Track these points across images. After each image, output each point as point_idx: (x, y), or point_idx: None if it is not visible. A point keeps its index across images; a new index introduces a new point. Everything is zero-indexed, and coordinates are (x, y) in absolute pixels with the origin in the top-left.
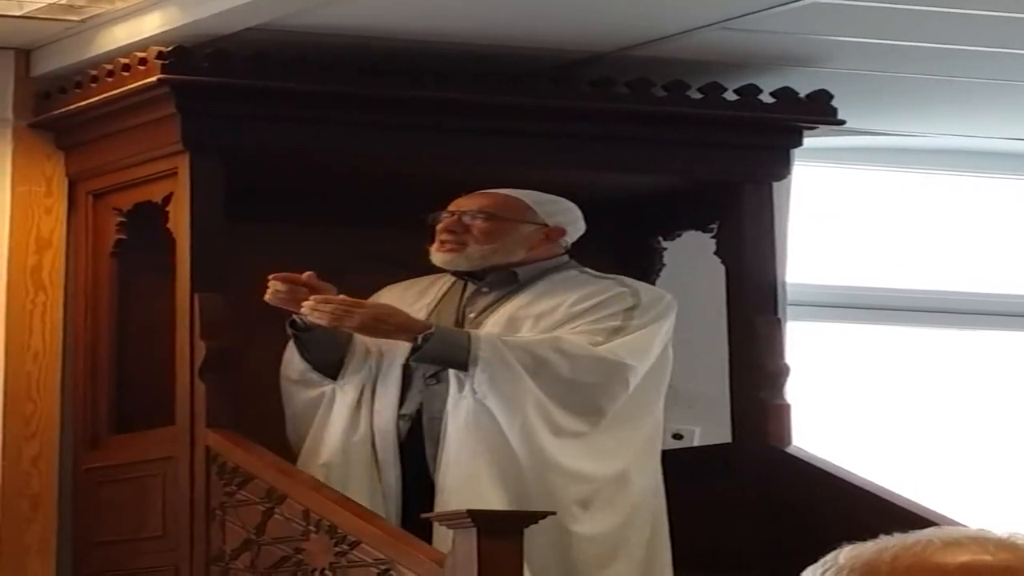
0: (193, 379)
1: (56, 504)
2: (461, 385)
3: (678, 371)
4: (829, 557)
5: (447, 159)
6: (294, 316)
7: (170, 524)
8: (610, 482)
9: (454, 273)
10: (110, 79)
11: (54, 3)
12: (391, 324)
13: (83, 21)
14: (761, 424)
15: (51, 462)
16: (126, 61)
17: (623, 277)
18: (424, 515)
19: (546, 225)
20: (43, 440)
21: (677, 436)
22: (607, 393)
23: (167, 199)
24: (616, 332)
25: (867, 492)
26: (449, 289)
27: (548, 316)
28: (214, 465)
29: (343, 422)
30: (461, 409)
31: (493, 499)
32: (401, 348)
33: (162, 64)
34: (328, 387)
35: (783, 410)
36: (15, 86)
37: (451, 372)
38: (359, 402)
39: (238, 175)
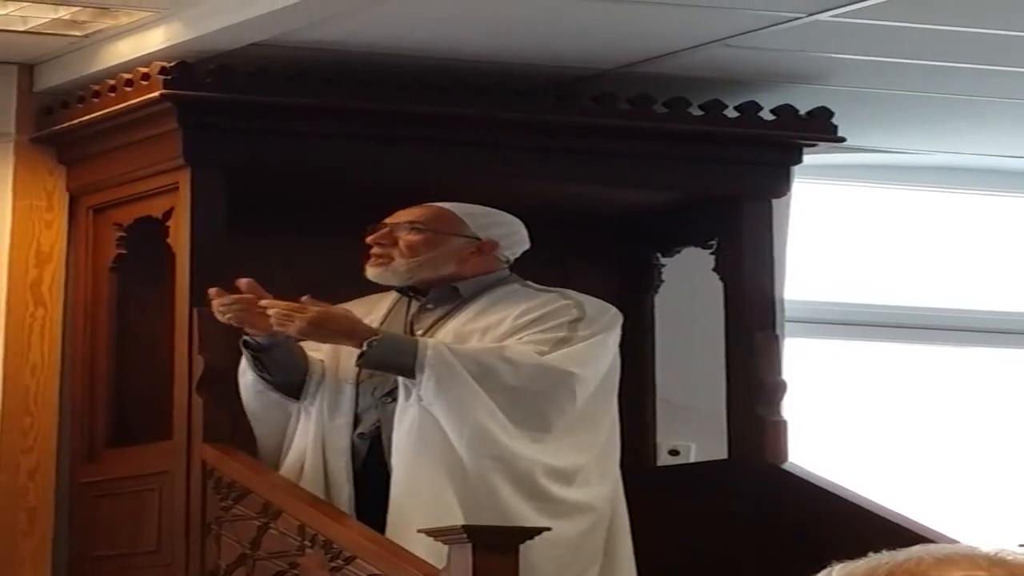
0: (191, 394)
1: (52, 517)
2: (408, 393)
3: (675, 386)
4: (821, 575)
5: (449, 173)
6: (246, 336)
7: (166, 538)
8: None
9: (398, 289)
10: (112, 94)
11: (58, 18)
12: (335, 329)
13: (86, 36)
14: (758, 440)
15: (48, 475)
16: (129, 76)
17: (567, 290)
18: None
19: (478, 239)
20: (40, 453)
21: (673, 452)
22: (553, 403)
23: (167, 214)
24: (561, 343)
25: (864, 509)
26: (394, 306)
27: (494, 329)
28: (210, 480)
29: (306, 441)
30: (407, 417)
31: (443, 506)
32: (351, 367)
33: (164, 79)
34: (294, 406)
35: (780, 426)
36: (18, 101)
37: (399, 382)
38: (319, 423)
39: (239, 189)
